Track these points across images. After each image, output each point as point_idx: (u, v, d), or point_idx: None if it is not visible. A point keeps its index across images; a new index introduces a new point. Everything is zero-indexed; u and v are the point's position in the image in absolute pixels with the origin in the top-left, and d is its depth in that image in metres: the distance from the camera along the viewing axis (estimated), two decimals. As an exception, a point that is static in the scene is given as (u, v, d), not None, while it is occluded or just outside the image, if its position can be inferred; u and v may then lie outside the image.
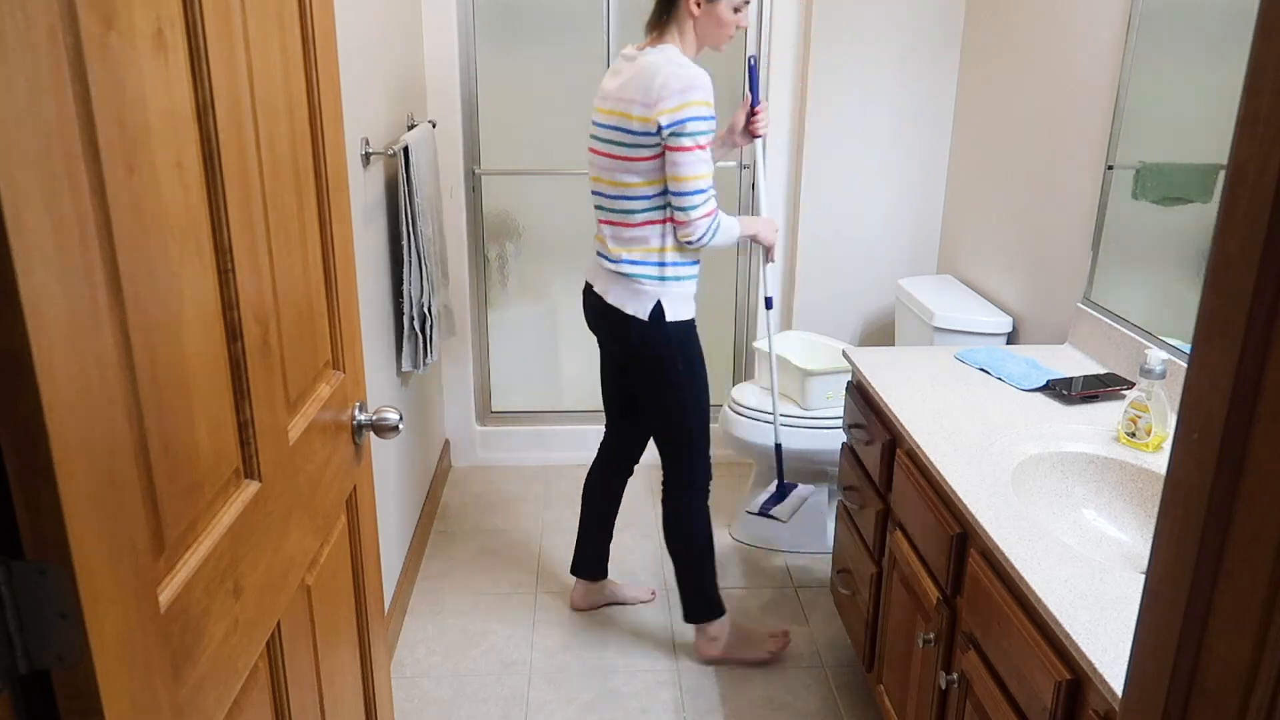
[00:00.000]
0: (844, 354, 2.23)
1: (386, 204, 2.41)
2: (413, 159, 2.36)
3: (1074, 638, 1.17)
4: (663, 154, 1.98)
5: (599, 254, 2.16)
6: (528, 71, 3.09)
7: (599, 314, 2.17)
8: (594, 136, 2.09)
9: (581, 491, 2.51)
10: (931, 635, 1.64)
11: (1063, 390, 1.91)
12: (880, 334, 3.28)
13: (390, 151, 2.27)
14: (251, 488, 0.98)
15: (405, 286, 2.44)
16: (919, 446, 1.70)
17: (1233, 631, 0.56)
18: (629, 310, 2.09)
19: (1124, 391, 1.92)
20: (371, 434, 1.39)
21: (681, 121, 1.93)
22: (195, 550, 0.85)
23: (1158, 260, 1.95)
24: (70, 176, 0.63)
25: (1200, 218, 1.82)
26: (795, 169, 3.15)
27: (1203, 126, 1.82)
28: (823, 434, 2.66)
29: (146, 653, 0.73)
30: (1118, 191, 2.09)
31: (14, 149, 0.57)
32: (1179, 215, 1.89)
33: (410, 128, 2.57)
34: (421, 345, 2.55)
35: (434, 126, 2.81)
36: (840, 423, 2.64)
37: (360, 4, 2.13)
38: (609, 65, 3.04)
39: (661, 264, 2.07)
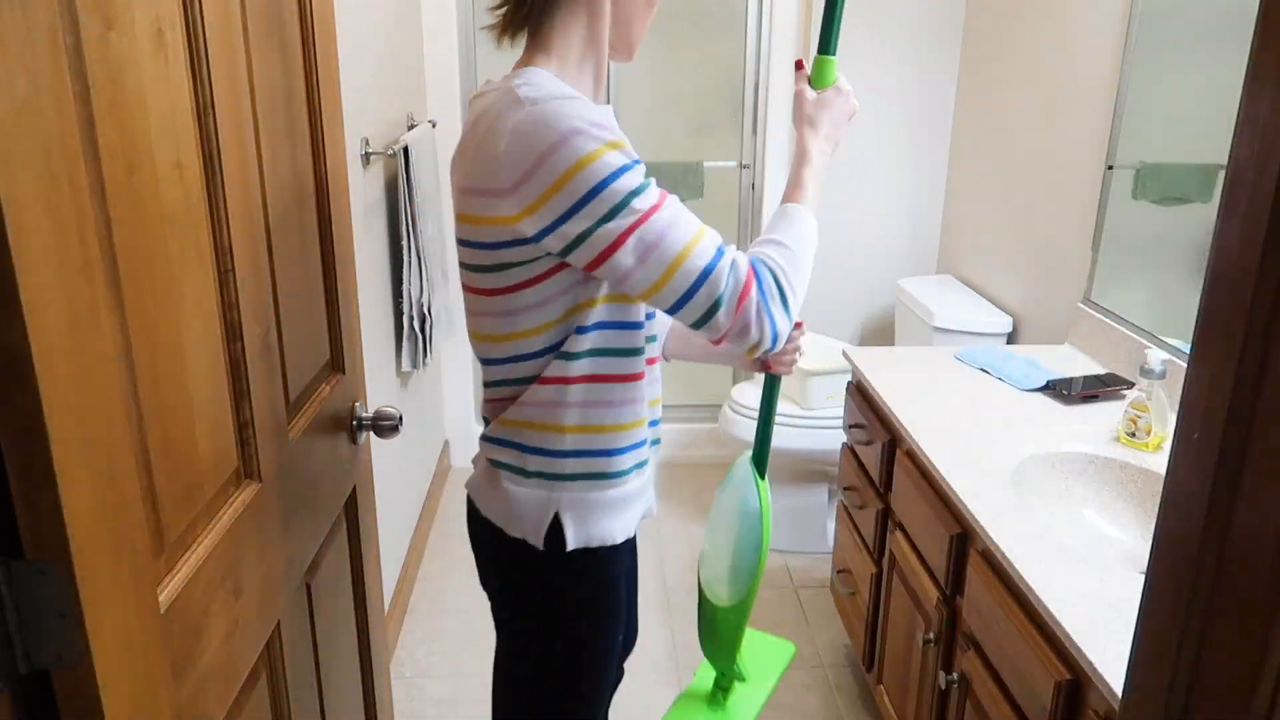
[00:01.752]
0: (844, 354, 2.23)
1: (386, 204, 2.41)
2: (413, 159, 2.36)
3: (1074, 638, 1.17)
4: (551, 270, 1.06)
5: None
6: (528, 71, 3.09)
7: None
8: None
9: None
10: (931, 635, 1.64)
11: (1063, 390, 1.91)
12: (880, 334, 3.28)
13: (390, 151, 2.27)
14: (251, 488, 0.98)
15: (405, 286, 2.44)
16: (919, 446, 1.70)
17: (1233, 631, 0.56)
18: (511, 531, 1.16)
19: (1124, 391, 1.92)
20: (371, 434, 1.38)
21: (581, 205, 0.98)
22: (195, 550, 0.85)
23: (1158, 260, 1.95)
24: (70, 176, 0.63)
25: (1200, 218, 1.82)
26: (795, 169, 3.15)
27: (1203, 126, 1.82)
28: (823, 434, 2.66)
29: (146, 653, 0.73)
30: (1118, 191, 2.09)
31: (14, 149, 0.57)
32: (1179, 215, 1.89)
33: (410, 128, 2.57)
34: (421, 345, 2.55)
35: (434, 126, 2.81)
36: (840, 423, 2.64)
37: (360, 4, 2.13)
38: (609, 65, 3.04)
39: (565, 454, 1.14)
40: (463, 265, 1.12)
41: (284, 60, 1.07)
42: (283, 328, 1.07)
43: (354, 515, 1.37)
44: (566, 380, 1.11)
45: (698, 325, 1.05)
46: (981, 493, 1.52)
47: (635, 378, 1.15)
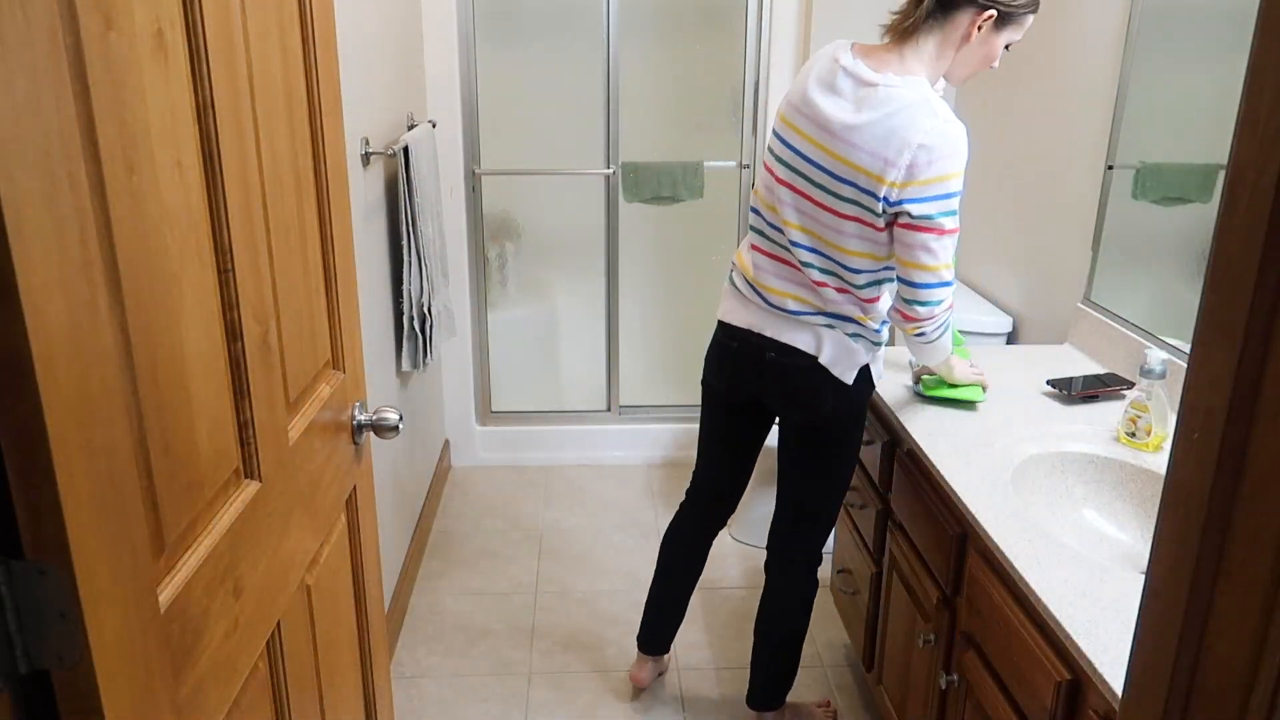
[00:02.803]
0: (844, 354, 2.23)
1: (386, 204, 2.41)
2: (413, 159, 2.36)
3: (1074, 638, 1.17)
4: (890, 225, 1.61)
5: (778, 306, 1.74)
6: (528, 71, 3.09)
7: (778, 369, 1.77)
8: (798, 172, 1.65)
9: (661, 549, 2.15)
10: (931, 635, 1.64)
11: (1063, 390, 1.91)
12: (880, 334, 3.28)
13: (390, 151, 2.27)
14: (251, 488, 0.98)
15: (405, 286, 2.44)
16: (919, 446, 1.70)
17: (1233, 631, 0.56)
18: (836, 371, 1.73)
19: (1124, 391, 1.92)
20: (371, 434, 1.38)
21: (927, 200, 1.53)
22: (195, 550, 0.85)
23: (1158, 260, 1.95)
24: (70, 176, 0.63)
25: (1200, 218, 1.82)
26: (795, 169, 3.15)
27: (1203, 126, 1.82)
28: (823, 434, 2.66)
29: (146, 653, 0.73)
30: (1118, 191, 2.09)
31: (14, 149, 0.57)
32: (1179, 215, 1.89)
33: (410, 128, 2.57)
34: (421, 345, 2.55)
35: (434, 126, 2.81)
36: (840, 423, 2.64)
37: (360, 4, 2.13)
38: (609, 65, 3.04)
39: (877, 328, 1.75)
40: (837, 197, 1.61)
41: (284, 60, 1.07)
42: (283, 328, 1.07)
43: (354, 515, 1.37)
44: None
45: (919, 302, 1.65)
46: (981, 493, 1.52)
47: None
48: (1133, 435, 1.68)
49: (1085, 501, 1.65)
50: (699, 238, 3.31)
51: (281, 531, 1.05)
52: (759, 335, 1.77)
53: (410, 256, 2.42)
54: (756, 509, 2.90)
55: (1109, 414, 1.83)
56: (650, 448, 3.45)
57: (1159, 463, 1.62)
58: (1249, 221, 0.53)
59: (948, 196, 1.54)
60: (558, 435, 3.42)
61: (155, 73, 0.77)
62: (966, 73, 1.65)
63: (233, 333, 0.93)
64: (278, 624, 1.05)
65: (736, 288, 1.83)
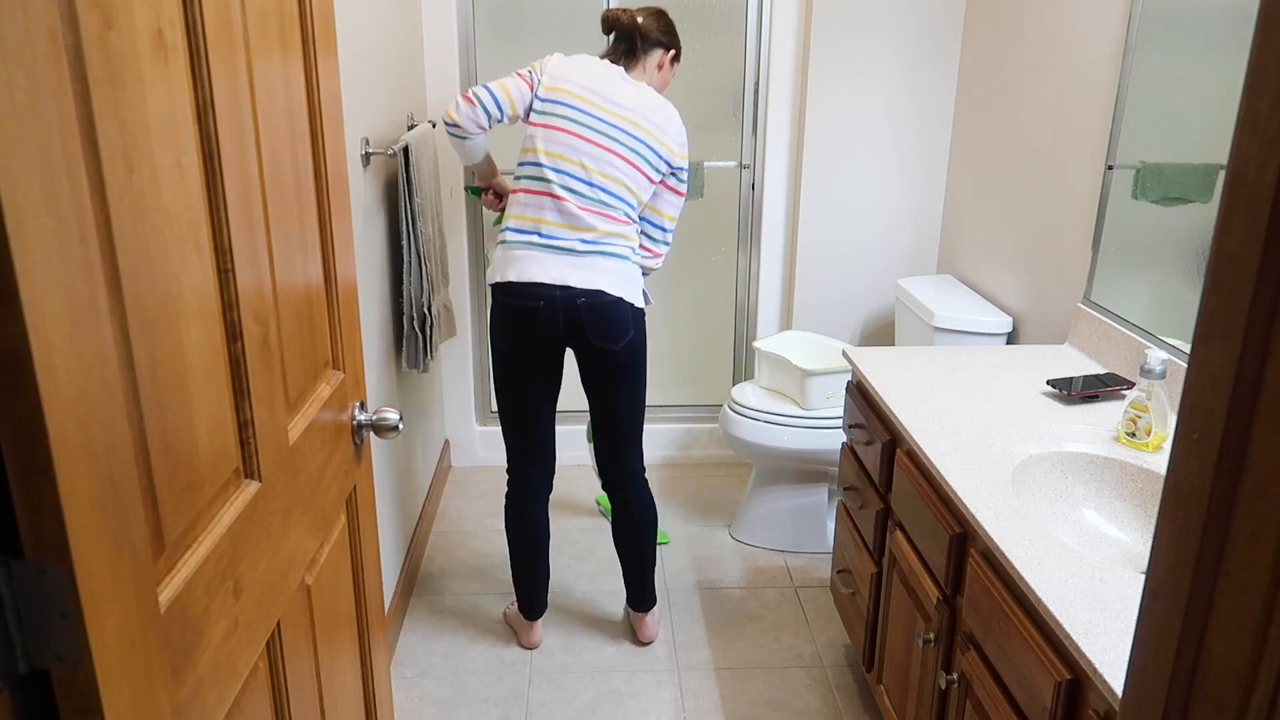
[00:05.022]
0: (844, 354, 2.23)
1: (386, 204, 2.41)
2: (413, 159, 2.36)
3: (1074, 638, 1.17)
4: (654, 185, 2.20)
5: (589, 244, 2.11)
6: (528, 71, 3.09)
7: (598, 310, 2.11)
8: (599, 132, 2.11)
9: (514, 530, 2.32)
10: (931, 635, 1.64)
11: (1063, 390, 1.91)
12: (880, 334, 3.28)
13: (390, 151, 2.27)
14: (251, 488, 0.98)
15: (405, 286, 2.44)
16: (919, 446, 1.70)
17: (1233, 631, 0.56)
18: (629, 299, 2.13)
19: (1124, 391, 1.92)
20: (371, 434, 1.39)
21: (685, 169, 2.22)
22: (195, 550, 0.85)
23: (1158, 260, 1.95)
24: (70, 176, 0.63)
25: (1200, 218, 1.82)
26: (795, 169, 3.15)
27: (1203, 126, 1.82)
28: (823, 434, 2.66)
29: (146, 653, 0.73)
30: (1118, 191, 2.09)
31: (14, 149, 0.57)
32: (1179, 215, 1.89)
33: (410, 128, 2.57)
34: (421, 345, 2.55)
35: (434, 126, 2.81)
36: (840, 423, 2.64)
37: (360, 3, 2.13)
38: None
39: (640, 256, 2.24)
40: (634, 151, 2.12)
41: (284, 60, 1.07)
42: (283, 328, 1.07)
43: (354, 515, 1.37)
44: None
45: (660, 241, 2.30)
46: (981, 493, 1.52)
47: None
48: (1133, 435, 1.68)
49: (1085, 501, 1.65)
50: (699, 238, 3.31)
51: (281, 531, 1.05)
52: (551, 285, 2.09)
53: (410, 256, 2.42)
54: (756, 509, 2.90)
55: (1109, 414, 1.83)
56: (650, 448, 3.45)
57: (1159, 463, 1.62)
58: (1249, 221, 0.53)
59: (687, 169, 2.26)
60: (557, 435, 3.42)
61: (155, 73, 0.77)
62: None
63: (233, 333, 0.93)
64: (278, 624, 1.05)
65: (534, 244, 2.13)
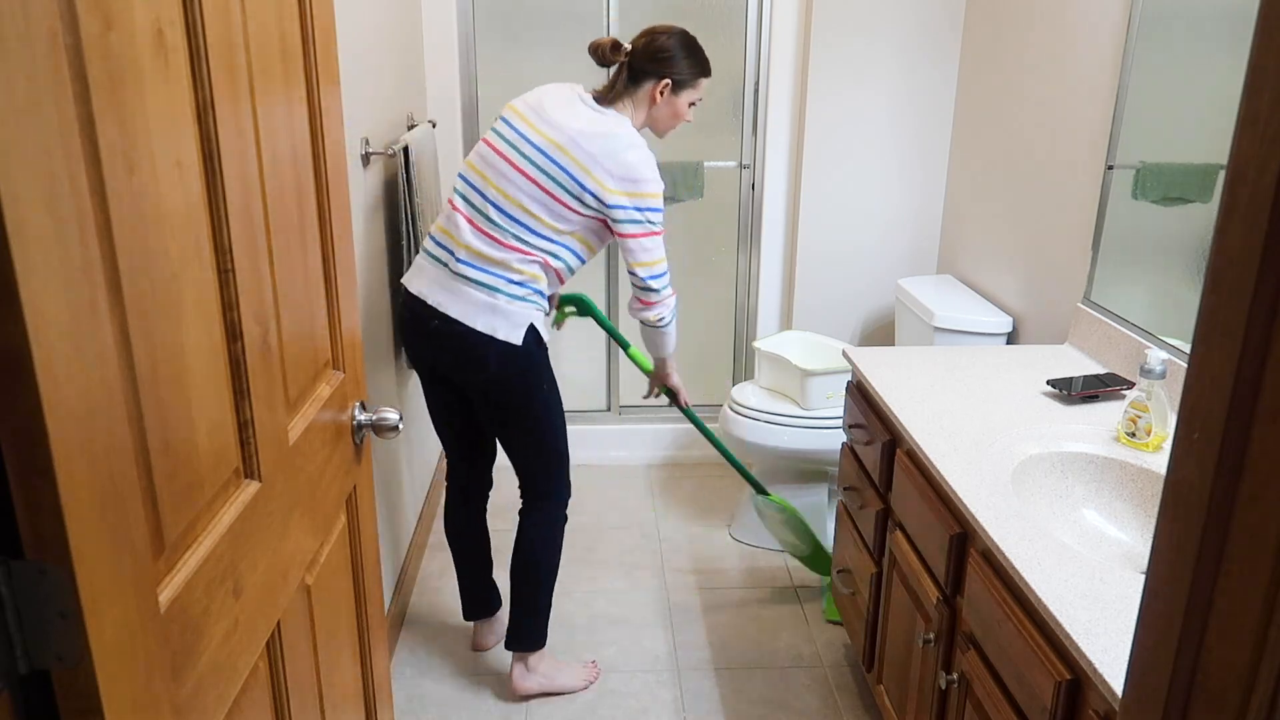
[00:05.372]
0: (844, 354, 2.23)
1: (386, 204, 2.41)
2: (413, 159, 2.36)
3: (1074, 638, 1.17)
4: (598, 221, 1.99)
5: (459, 262, 1.96)
6: (528, 71, 3.09)
7: (449, 339, 1.98)
8: (515, 147, 1.97)
9: (448, 538, 2.31)
10: (931, 635, 1.64)
11: (1063, 390, 1.91)
12: (880, 334, 3.28)
13: (390, 151, 2.27)
14: (251, 488, 0.98)
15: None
16: (919, 446, 1.70)
17: (1233, 631, 0.56)
18: (501, 335, 1.96)
19: (1124, 391, 1.92)
20: (371, 434, 1.39)
21: (647, 209, 1.97)
22: (195, 550, 0.85)
23: (1158, 260, 1.95)
24: (70, 176, 0.63)
25: (1200, 218, 1.82)
26: (795, 169, 3.15)
27: (1203, 126, 1.82)
28: (823, 434, 2.66)
29: (146, 653, 0.73)
30: (1118, 191, 2.09)
31: (14, 149, 0.57)
32: (1179, 215, 1.89)
33: (410, 128, 2.57)
34: (421, 345, 2.54)
35: (434, 126, 2.81)
36: (840, 423, 2.64)
37: (360, 4, 2.13)
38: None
39: (539, 291, 2.01)
40: (544, 173, 1.95)
41: (284, 60, 1.07)
42: (283, 328, 1.07)
43: (354, 515, 1.37)
44: (546, 265, 2.02)
45: (647, 290, 2.07)
46: (981, 493, 1.52)
47: None
48: (1133, 435, 1.68)
49: (1085, 501, 1.65)
50: (699, 237, 3.31)
51: (281, 531, 1.05)
52: (427, 305, 1.99)
53: (410, 257, 2.42)
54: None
55: (1109, 414, 1.83)
56: (650, 448, 3.45)
57: (1159, 463, 1.62)
58: (1249, 221, 0.53)
59: (652, 210, 2.00)
60: (558, 435, 3.42)
61: (155, 73, 0.77)
62: (662, 127, 2.11)
63: (233, 333, 0.93)
64: (278, 624, 1.05)
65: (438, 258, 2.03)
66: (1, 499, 0.62)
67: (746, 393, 2.80)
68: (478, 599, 2.37)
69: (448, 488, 2.29)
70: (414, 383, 2.75)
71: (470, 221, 1.98)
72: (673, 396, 2.37)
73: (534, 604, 2.18)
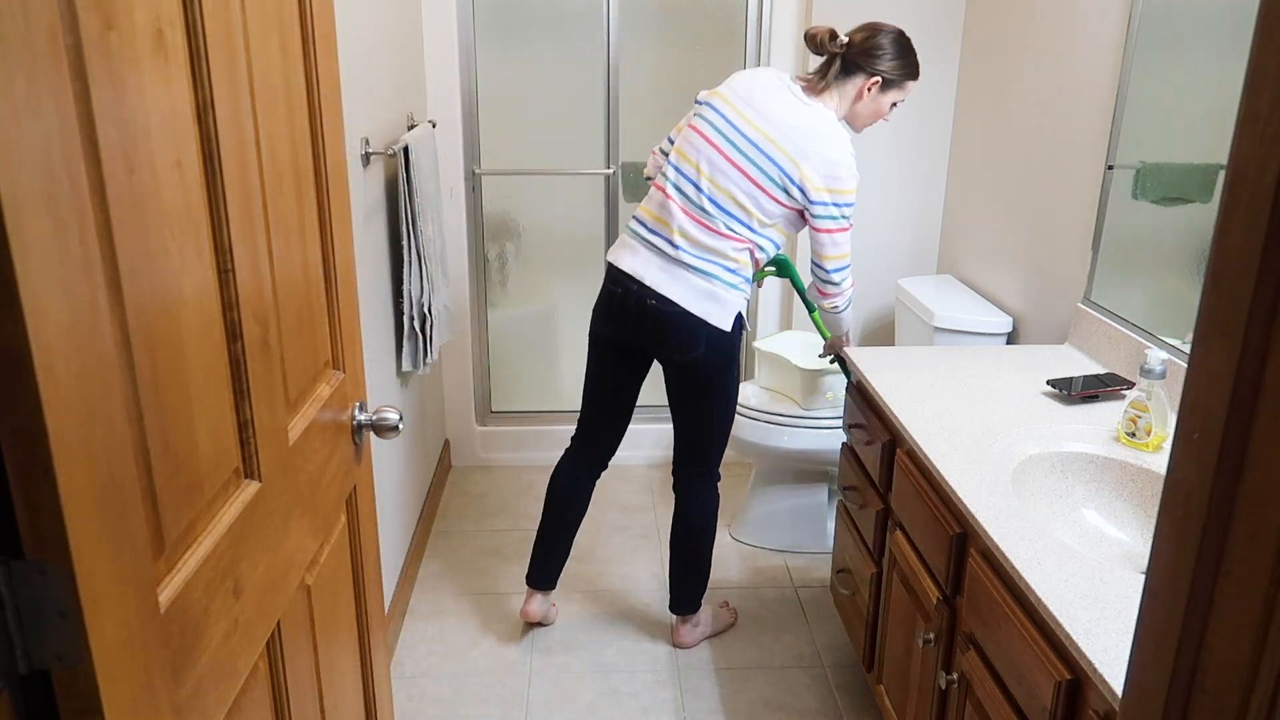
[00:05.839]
0: (844, 354, 2.23)
1: (386, 204, 2.41)
2: (413, 159, 2.36)
3: (1074, 638, 1.17)
4: (795, 212, 2.08)
5: (677, 248, 2.06)
6: (528, 71, 3.09)
7: (665, 318, 2.08)
8: (727, 138, 2.05)
9: (551, 505, 2.40)
10: (931, 635, 1.64)
11: (1063, 390, 1.91)
12: (880, 334, 3.28)
13: (390, 151, 2.27)
14: (251, 488, 0.98)
15: (405, 286, 2.44)
16: (919, 446, 1.70)
17: (1233, 631, 0.56)
18: (714, 321, 2.07)
19: (1124, 391, 1.92)
20: (371, 434, 1.39)
21: (844, 205, 2.05)
22: (195, 550, 0.85)
23: (1158, 260, 1.95)
24: (70, 176, 0.63)
25: (1200, 218, 1.82)
26: (795, 169, 3.15)
27: (1203, 126, 1.82)
28: (823, 434, 2.66)
29: (146, 653, 0.73)
30: (1118, 191, 2.09)
31: (14, 149, 0.57)
32: (1179, 215, 1.89)
33: (410, 128, 2.57)
34: (421, 345, 2.55)
35: (434, 126, 2.81)
36: (840, 423, 2.64)
37: (360, 4, 2.13)
38: (609, 65, 3.05)
39: (747, 280, 2.12)
40: (756, 166, 2.03)
41: (284, 60, 1.07)
42: (283, 328, 1.07)
43: (354, 515, 1.37)
44: (753, 251, 2.14)
45: (830, 282, 2.16)
46: (981, 493, 1.52)
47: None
48: (1133, 435, 1.68)
49: (1085, 501, 1.65)
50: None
51: (281, 531, 1.05)
52: (640, 283, 2.08)
53: (410, 256, 2.42)
54: (756, 509, 2.90)
55: (1109, 414, 1.83)
56: (650, 448, 3.45)
57: (1159, 463, 1.62)
58: (1249, 221, 0.53)
59: (849, 205, 2.06)
60: (558, 435, 3.41)
61: (155, 73, 0.77)
62: (861, 122, 2.15)
63: (233, 333, 0.93)
64: (278, 624, 1.05)
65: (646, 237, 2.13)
66: (1, 499, 0.62)
67: (746, 393, 2.80)
68: (552, 568, 2.43)
69: (570, 457, 2.40)
70: (414, 383, 2.75)
71: (685, 210, 2.06)
72: (843, 364, 2.42)
73: (699, 570, 2.36)
